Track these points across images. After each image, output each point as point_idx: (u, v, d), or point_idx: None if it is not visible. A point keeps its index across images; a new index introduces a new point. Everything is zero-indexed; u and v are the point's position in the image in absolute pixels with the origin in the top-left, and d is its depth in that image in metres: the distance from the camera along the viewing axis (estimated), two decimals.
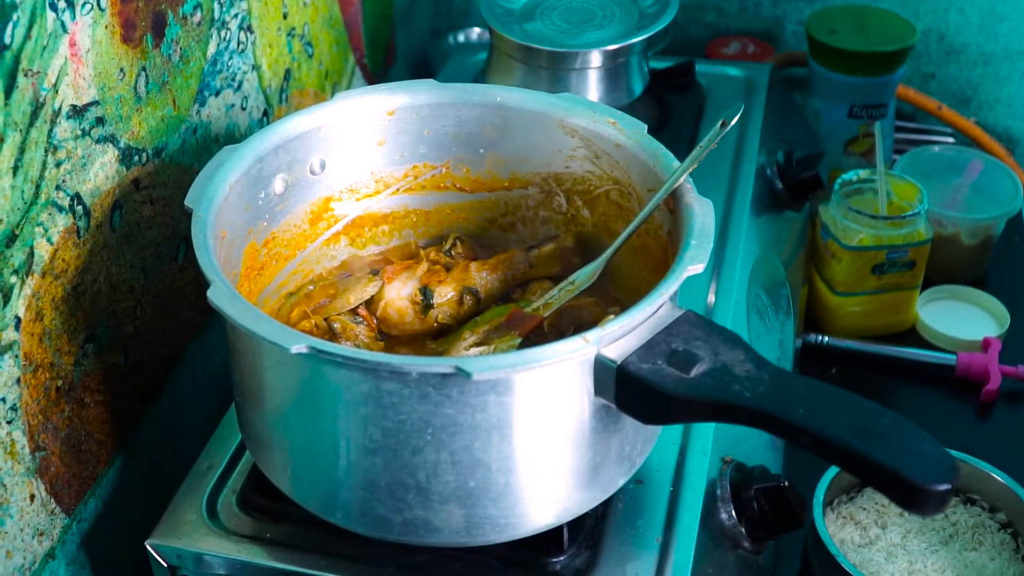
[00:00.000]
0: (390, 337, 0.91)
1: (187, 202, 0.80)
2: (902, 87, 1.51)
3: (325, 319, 0.89)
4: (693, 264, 0.74)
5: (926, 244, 1.25)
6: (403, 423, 0.71)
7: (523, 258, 0.94)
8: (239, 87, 1.08)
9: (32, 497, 0.85)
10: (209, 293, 0.72)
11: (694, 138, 1.24)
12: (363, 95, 0.92)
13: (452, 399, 0.70)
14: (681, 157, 1.19)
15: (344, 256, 0.96)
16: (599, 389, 0.72)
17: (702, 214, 0.79)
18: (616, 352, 0.71)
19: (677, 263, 0.75)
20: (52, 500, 0.88)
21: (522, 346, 0.84)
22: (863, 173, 1.29)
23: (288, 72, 1.18)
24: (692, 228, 0.78)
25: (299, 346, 0.68)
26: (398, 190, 0.96)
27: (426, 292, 0.91)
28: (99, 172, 0.88)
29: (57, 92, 0.81)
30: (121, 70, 0.89)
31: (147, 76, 0.92)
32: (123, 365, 0.95)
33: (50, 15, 0.79)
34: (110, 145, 0.89)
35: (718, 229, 1.11)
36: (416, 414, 0.71)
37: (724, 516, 0.89)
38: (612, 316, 0.72)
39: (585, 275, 0.87)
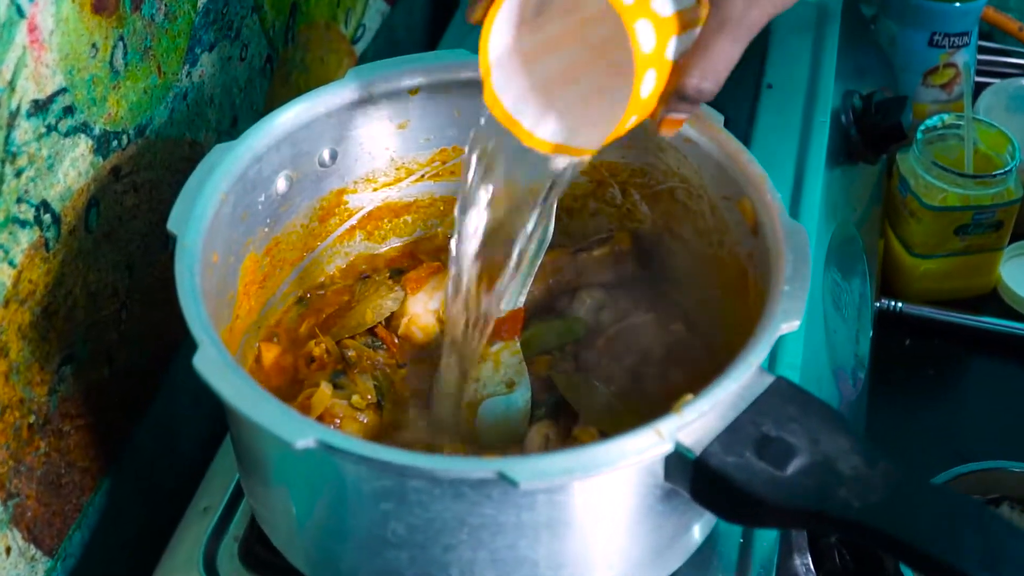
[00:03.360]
0: (414, 357, 0.78)
1: (170, 226, 0.67)
2: None
3: (337, 343, 0.76)
4: (787, 320, 0.61)
5: (1016, 203, 1.11)
6: (432, 521, 0.59)
7: (570, 262, 0.80)
8: (237, 35, 0.93)
9: (8, 550, 0.74)
10: (196, 360, 0.59)
11: (759, 80, 1.08)
12: (380, 72, 0.77)
13: (493, 500, 0.57)
14: (746, 106, 1.06)
15: (359, 251, 0.83)
16: (670, 476, 0.60)
17: (795, 247, 0.65)
18: (693, 438, 0.58)
19: (766, 319, 0.61)
20: (31, 547, 0.77)
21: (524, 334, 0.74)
22: (948, 118, 1.13)
23: (294, 7, 1.03)
24: (783, 268, 0.64)
25: (306, 440, 0.56)
26: (423, 176, 0.82)
27: None
28: (70, 170, 0.74)
29: (14, 90, 0.67)
30: (93, 46, 0.74)
31: (126, 46, 0.78)
32: (107, 377, 0.83)
33: (2, 1, 0.64)
34: (82, 136, 0.75)
35: (788, 196, 0.97)
36: (449, 512, 0.58)
37: (800, 568, 0.77)
38: (689, 397, 0.59)
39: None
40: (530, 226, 0.69)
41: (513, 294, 0.75)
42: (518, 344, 0.75)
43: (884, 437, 1.02)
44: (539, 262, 0.75)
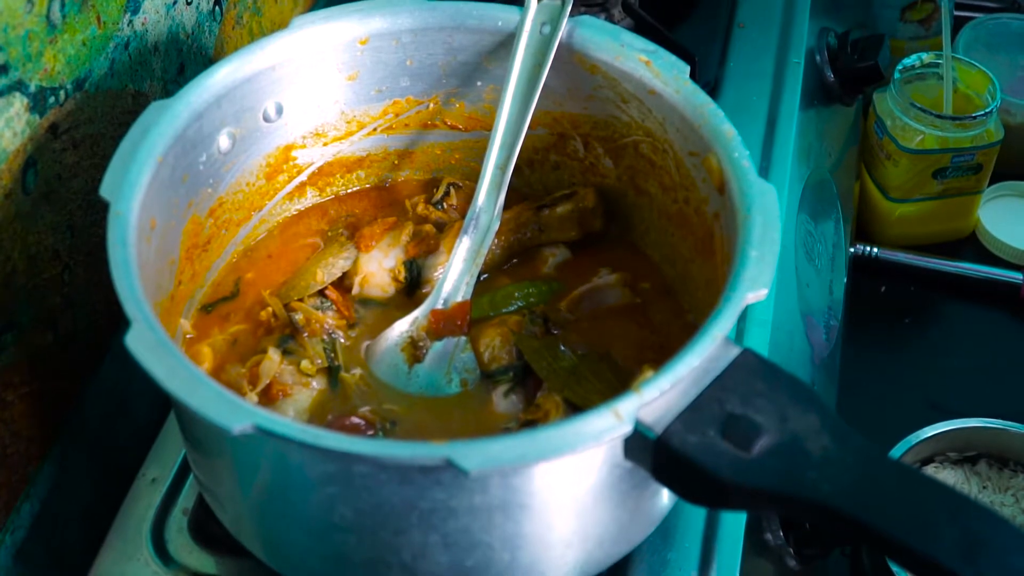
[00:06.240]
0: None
1: (102, 192, 0.63)
2: None
3: (285, 305, 0.72)
4: (754, 289, 0.58)
5: (996, 146, 1.07)
6: (380, 506, 0.56)
7: (532, 219, 0.77)
8: None
9: None
10: (128, 340, 0.56)
11: (731, 19, 1.04)
12: (327, 21, 0.73)
13: (443, 484, 0.54)
14: (717, 46, 1.02)
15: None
16: (630, 455, 0.57)
17: (762, 208, 0.62)
18: (654, 416, 0.55)
19: (732, 288, 0.58)
20: None
21: (472, 331, 0.71)
22: (927, 57, 1.10)
23: None
24: (750, 231, 0.61)
25: (243, 426, 0.53)
26: (375, 130, 0.78)
27: (411, 267, 0.75)
28: (5, 131, 0.70)
29: None
30: (29, 1, 0.70)
31: None
32: (52, 343, 0.79)
33: None
34: (17, 94, 0.70)
35: (760, 141, 0.93)
36: (397, 497, 0.55)
37: (768, 536, 0.75)
38: (650, 374, 0.55)
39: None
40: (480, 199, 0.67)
41: (458, 284, 0.72)
42: (465, 342, 0.72)
43: (859, 389, 1.00)
44: (485, 250, 0.72)
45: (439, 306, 0.72)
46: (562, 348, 0.70)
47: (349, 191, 0.81)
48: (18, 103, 0.71)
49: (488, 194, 0.73)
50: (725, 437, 0.55)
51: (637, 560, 0.69)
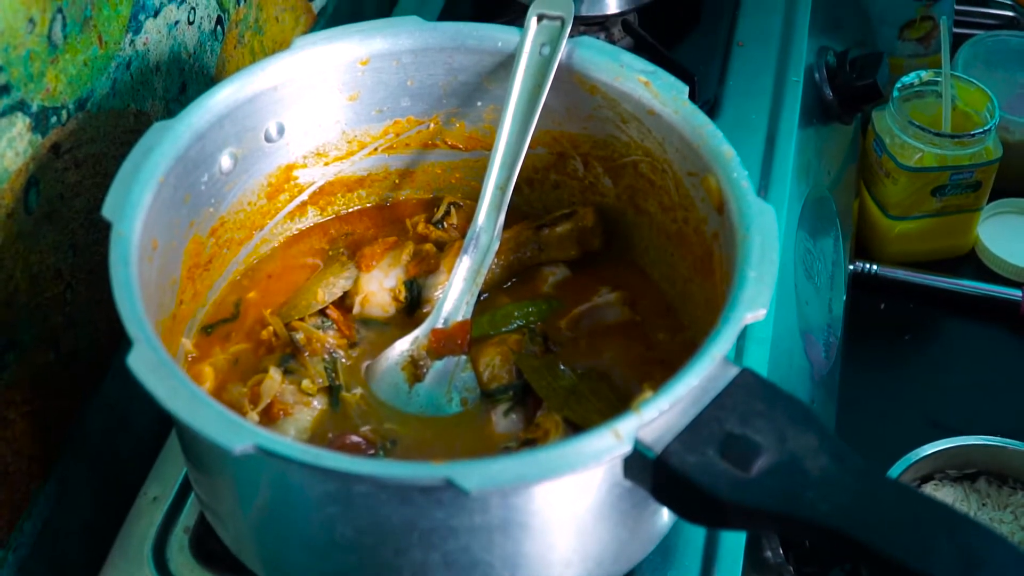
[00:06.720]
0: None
1: (105, 212, 0.63)
2: None
3: (286, 325, 0.72)
4: (753, 309, 0.58)
5: (994, 163, 1.08)
6: (381, 525, 0.56)
7: (531, 239, 0.77)
8: None
9: None
10: (130, 360, 0.56)
11: (730, 37, 1.05)
12: (329, 42, 0.74)
13: (444, 504, 0.55)
14: (716, 65, 1.02)
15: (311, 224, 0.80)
16: (630, 474, 0.57)
17: (761, 229, 0.62)
18: (653, 436, 0.55)
19: (730, 308, 0.58)
20: None
21: (472, 350, 0.71)
22: (925, 75, 1.10)
23: None
24: (748, 251, 0.61)
25: (244, 446, 0.53)
26: (376, 149, 0.79)
27: (412, 286, 0.75)
28: (7, 151, 0.70)
29: None
30: (30, 20, 0.70)
31: (64, 18, 0.74)
32: (54, 362, 0.80)
33: None
34: (19, 114, 0.71)
35: (759, 160, 0.94)
36: (397, 516, 0.56)
37: (768, 554, 0.75)
38: (649, 394, 0.56)
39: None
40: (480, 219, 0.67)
41: (458, 303, 0.72)
42: (465, 361, 0.72)
43: (858, 406, 1.00)
44: (485, 270, 0.72)
45: (439, 325, 0.72)
46: (561, 367, 0.71)
47: (350, 210, 0.81)
48: (20, 123, 0.71)
49: (488, 214, 0.73)
50: (724, 457, 0.55)
51: None
